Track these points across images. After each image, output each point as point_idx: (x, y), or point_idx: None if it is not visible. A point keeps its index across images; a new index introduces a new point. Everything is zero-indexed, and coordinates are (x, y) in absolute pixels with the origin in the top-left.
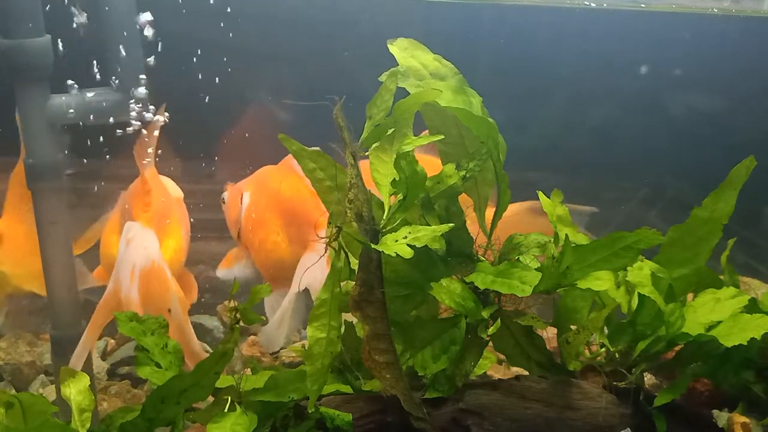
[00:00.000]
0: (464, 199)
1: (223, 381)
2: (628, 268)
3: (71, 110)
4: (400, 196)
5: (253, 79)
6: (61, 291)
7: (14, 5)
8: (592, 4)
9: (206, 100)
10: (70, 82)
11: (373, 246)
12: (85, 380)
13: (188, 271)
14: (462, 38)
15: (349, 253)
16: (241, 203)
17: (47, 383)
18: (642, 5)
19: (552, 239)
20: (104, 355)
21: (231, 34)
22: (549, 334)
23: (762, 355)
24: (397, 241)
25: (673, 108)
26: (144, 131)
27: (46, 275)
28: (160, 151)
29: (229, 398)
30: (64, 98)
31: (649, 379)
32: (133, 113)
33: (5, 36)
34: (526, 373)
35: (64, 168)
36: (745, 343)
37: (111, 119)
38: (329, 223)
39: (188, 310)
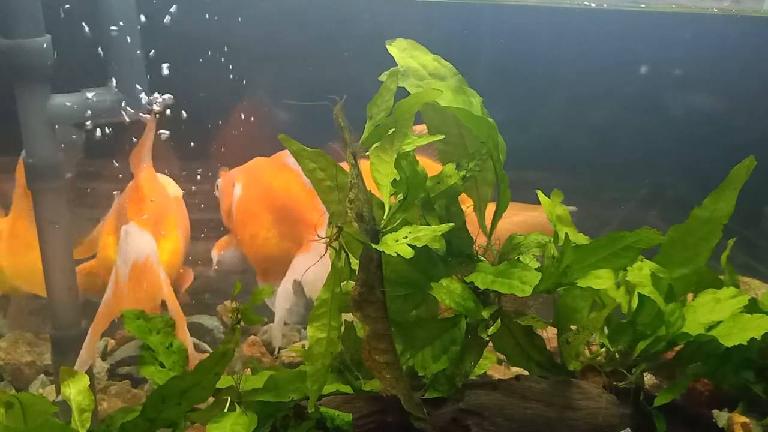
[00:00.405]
0: (464, 199)
1: (223, 381)
2: (628, 268)
3: (71, 110)
4: (400, 196)
5: (254, 79)
6: (61, 291)
7: (14, 5)
8: (592, 4)
9: (207, 100)
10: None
11: (373, 246)
12: (85, 380)
13: (187, 268)
14: (462, 38)
15: (349, 253)
16: (233, 193)
17: (47, 383)
18: (642, 5)
19: (552, 239)
20: (104, 355)
21: (231, 35)
22: (549, 334)
23: (762, 355)
24: (397, 241)
25: (673, 108)
26: (138, 138)
27: (46, 275)
28: (158, 151)
29: (229, 398)
30: (64, 98)
31: (649, 379)
32: (133, 113)
33: (5, 36)
34: (526, 373)
35: (66, 168)
36: (745, 343)
37: (112, 119)
38: (329, 222)
39: (188, 310)
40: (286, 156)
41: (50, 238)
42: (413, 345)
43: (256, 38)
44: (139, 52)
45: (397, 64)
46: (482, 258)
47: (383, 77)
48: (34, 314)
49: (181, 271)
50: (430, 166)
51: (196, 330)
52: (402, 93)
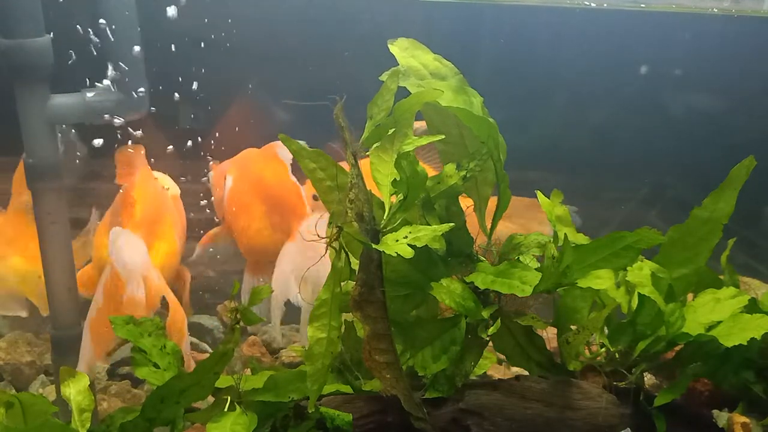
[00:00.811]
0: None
1: (223, 381)
2: (628, 268)
3: (71, 110)
4: (400, 196)
5: (254, 79)
6: (61, 291)
7: (14, 5)
8: (592, 4)
9: (207, 100)
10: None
11: (373, 246)
12: (85, 380)
13: (184, 268)
14: (462, 38)
15: (349, 253)
16: (225, 185)
17: (47, 383)
18: (642, 5)
19: (552, 239)
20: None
21: (231, 35)
22: (549, 334)
23: (762, 355)
24: (397, 241)
25: (673, 108)
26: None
27: (46, 275)
28: (157, 150)
29: (229, 398)
30: (64, 98)
31: (649, 379)
32: (133, 113)
33: (5, 36)
34: (526, 373)
35: (64, 168)
36: (745, 343)
37: (111, 118)
38: (329, 222)
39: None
40: (276, 147)
41: (50, 238)
42: (413, 345)
43: (256, 38)
44: (138, 48)
45: (397, 64)
46: (482, 258)
47: (384, 77)
48: (34, 314)
49: (185, 272)
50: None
51: (196, 330)
52: (403, 93)
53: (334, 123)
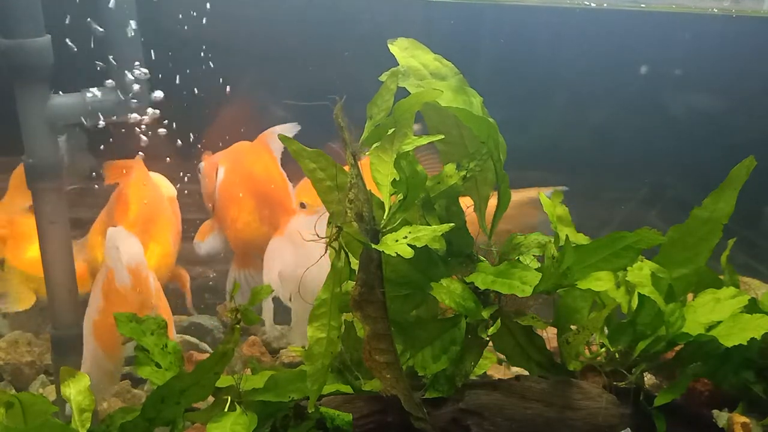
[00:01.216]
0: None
1: (223, 381)
2: (628, 268)
3: (71, 110)
4: (400, 196)
5: (254, 79)
6: (61, 291)
7: (14, 5)
8: (592, 4)
9: (207, 100)
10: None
11: (373, 246)
12: (85, 380)
13: (180, 268)
14: (462, 38)
15: (349, 253)
16: (216, 177)
17: (47, 383)
18: (642, 5)
19: (552, 239)
20: None
21: (231, 35)
22: (549, 334)
23: (762, 355)
24: (397, 241)
25: (673, 108)
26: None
27: (46, 275)
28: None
29: (229, 398)
30: (64, 98)
31: (649, 379)
32: (133, 113)
33: (5, 36)
34: (526, 373)
35: (64, 168)
36: (745, 343)
37: (113, 118)
38: (329, 222)
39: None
40: (267, 137)
41: (50, 238)
42: (413, 345)
43: (256, 38)
44: (138, 52)
45: (397, 64)
46: (482, 258)
47: (383, 77)
48: (34, 314)
49: (183, 272)
50: None
51: (196, 330)
52: (403, 93)
53: (334, 123)
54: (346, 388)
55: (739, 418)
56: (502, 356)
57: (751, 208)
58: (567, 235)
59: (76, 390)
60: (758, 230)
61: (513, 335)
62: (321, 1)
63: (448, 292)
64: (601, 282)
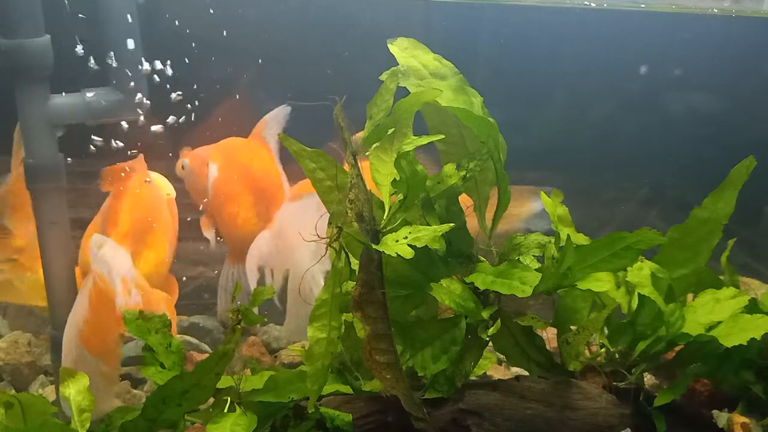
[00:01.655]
0: (464, 199)
1: (223, 381)
2: (628, 269)
3: (71, 110)
4: (400, 196)
5: (254, 80)
6: (61, 291)
7: (14, 5)
8: (592, 4)
9: (206, 100)
10: None
11: (373, 246)
12: (85, 380)
13: (171, 276)
14: (462, 38)
15: (349, 254)
16: (208, 173)
17: (47, 383)
18: (642, 5)
19: (552, 240)
20: None
21: (231, 35)
22: (549, 334)
23: (762, 355)
24: (397, 241)
25: (673, 108)
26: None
27: (46, 275)
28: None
29: (229, 399)
30: (64, 98)
31: (649, 379)
32: (133, 113)
33: (5, 36)
34: (526, 373)
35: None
36: (745, 344)
37: (113, 119)
38: (329, 223)
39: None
40: (263, 130)
41: (50, 238)
42: (413, 345)
43: (256, 38)
44: (138, 53)
45: (397, 64)
46: (482, 258)
47: (383, 77)
48: (34, 314)
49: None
50: None
51: (195, 330)
52: (403, 93)
53: (333, 123)
54: (346, 389)
55: (739, 419)
56: (502, 356)
57: (751, 208)
58: (568, 235)
59: (75, 390)
60: (758, 230)
61: (513, 335)
62: (321, 1)
63: (448, 292)
64: (601, 282)
